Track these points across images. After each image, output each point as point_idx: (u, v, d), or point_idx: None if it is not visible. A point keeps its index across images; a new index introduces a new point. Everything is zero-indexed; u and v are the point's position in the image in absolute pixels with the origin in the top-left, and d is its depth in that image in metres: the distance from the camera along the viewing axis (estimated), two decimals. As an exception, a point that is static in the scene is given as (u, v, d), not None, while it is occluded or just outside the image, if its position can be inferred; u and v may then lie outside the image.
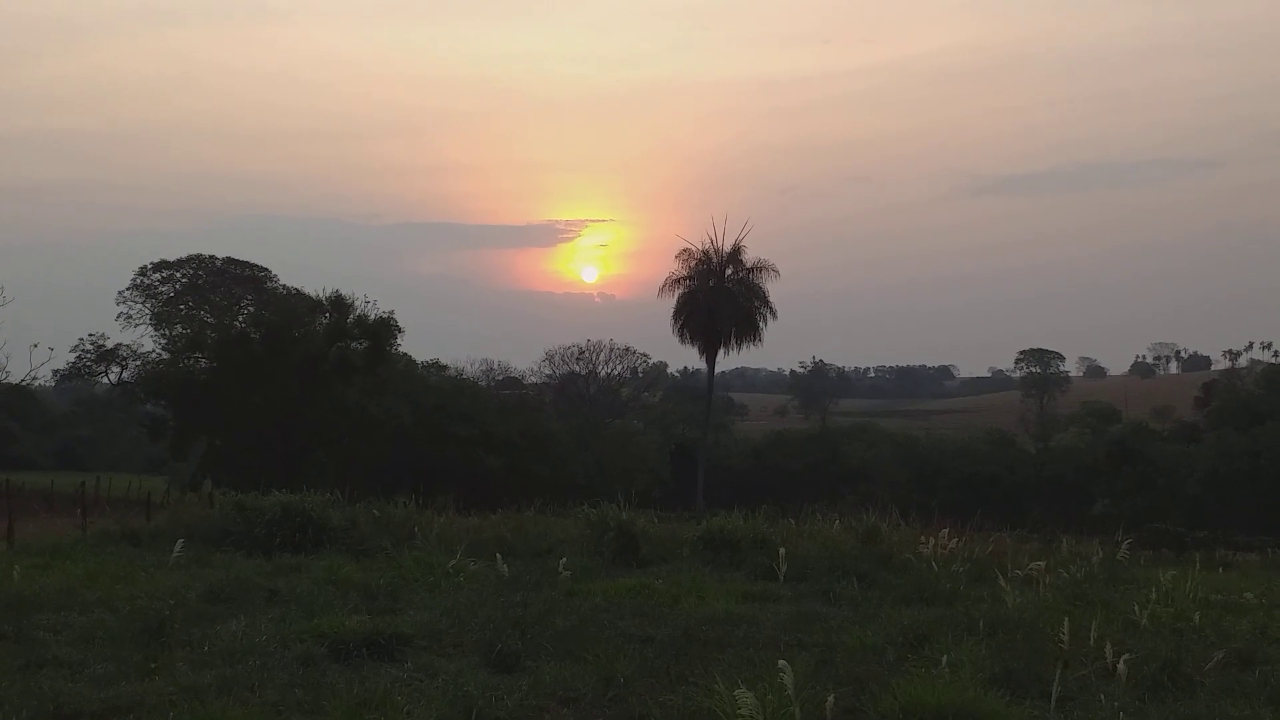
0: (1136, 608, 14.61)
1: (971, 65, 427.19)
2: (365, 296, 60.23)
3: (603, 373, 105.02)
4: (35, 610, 13.38)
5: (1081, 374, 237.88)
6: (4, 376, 61.68)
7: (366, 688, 9.64)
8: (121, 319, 68.34)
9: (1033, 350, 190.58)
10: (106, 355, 65.42)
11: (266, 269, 72.63)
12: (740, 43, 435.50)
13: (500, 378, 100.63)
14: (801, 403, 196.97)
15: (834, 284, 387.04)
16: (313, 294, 61.71)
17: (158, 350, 64.59)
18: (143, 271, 70.05)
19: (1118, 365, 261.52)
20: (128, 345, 66.00)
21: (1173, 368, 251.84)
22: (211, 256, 72.37)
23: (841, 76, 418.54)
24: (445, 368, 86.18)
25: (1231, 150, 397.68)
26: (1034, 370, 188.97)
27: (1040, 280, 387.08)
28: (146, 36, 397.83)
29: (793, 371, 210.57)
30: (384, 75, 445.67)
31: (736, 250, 73.10)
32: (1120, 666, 10.46)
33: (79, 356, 65.77)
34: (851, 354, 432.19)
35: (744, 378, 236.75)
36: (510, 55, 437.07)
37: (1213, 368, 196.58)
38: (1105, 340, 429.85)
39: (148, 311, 68.50)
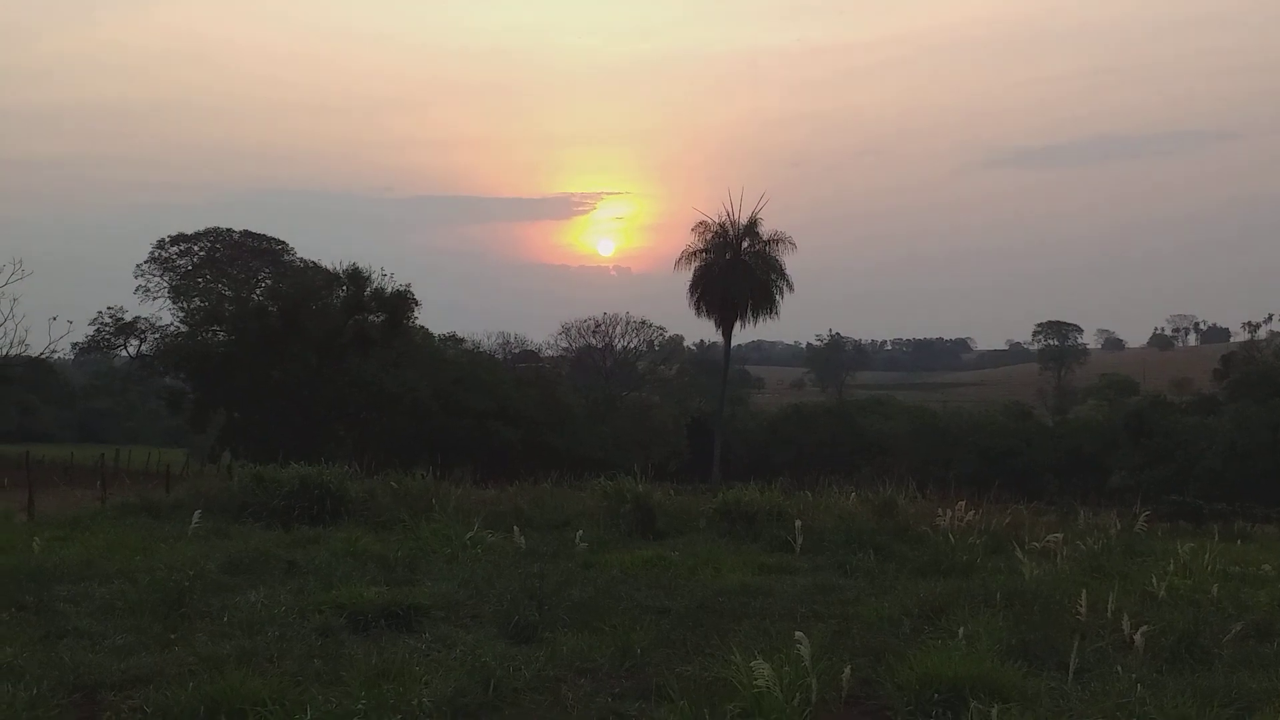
0: (1154, 580, 14.57)
1: (987, 37, 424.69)
2: (382, 269, 60.32)
3: (619, 346, 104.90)
4: (55, 581, 13.46)
5: (1099, 346, 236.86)
6: (23, 350, 61.73)
7: (384, 658, 9.68)
8: (140, 292, 68.74)
9: (1050, 323, 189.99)
10: (125, 328, 65.56)
11: (284, 242, 72.85)
12: (753, 14, 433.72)
13: (517, 351, 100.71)
14: (818, 376, 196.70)
15: (851, 257, 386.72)
16: (330, 267, 61.83)
17: (176, 323, 64.76)
18: (160, 245, 70.34)
19: (1136, 337, 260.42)
20: (146, 318, 66.21)
21: (1191, 340, 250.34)
22: (229, 230, 72.60)
23: (856, 48, 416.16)
24: (462, 341, 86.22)
25: (1250, 122, 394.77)
26: (1052, 343, 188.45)
27: (1058, 253, 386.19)
28: (159, 10, 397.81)
29: (809, 344, 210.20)
30: (397, 48, 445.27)
31: (753, 223, 72.89)
32: (1138, 638, 10.44)
33: (98, 330, 65.95)
34: (868, 327, 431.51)
35: (760, 351, 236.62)
36: (523, 27, 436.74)
37: (1232, 340, 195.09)
38: (1123, 312, 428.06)
39: (166, 284, 68.81)
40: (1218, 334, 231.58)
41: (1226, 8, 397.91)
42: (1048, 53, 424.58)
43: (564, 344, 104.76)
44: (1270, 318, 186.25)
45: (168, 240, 70.76)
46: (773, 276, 72.75)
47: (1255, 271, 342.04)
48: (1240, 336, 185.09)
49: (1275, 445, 66.86)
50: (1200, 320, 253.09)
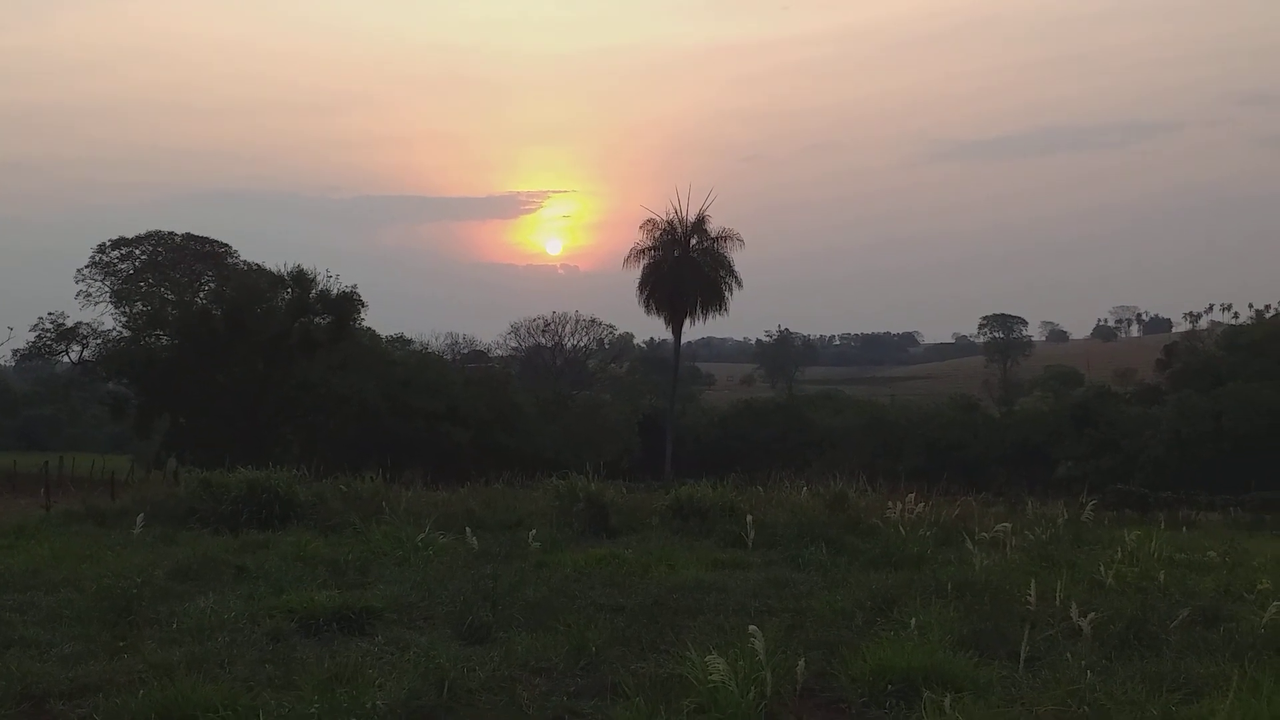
0: (1102, 568, 14.79)
1: (932, 30, 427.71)
2: (328, 271, 60.08)
3: (569, 344, 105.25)
4: (0, 591, 13.26)
5: (1044, 338, 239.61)
6: (-37, 357, 60.98)
7: (337, 662, 9.61)
8: (81, 297, 67.54)
9: (996, 315, 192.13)
10: (67, 334, 64.57)
11: (227, 245, 71.93)
12: (700, 8, 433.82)
13: (466, 351, 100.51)
14: (768, 371, 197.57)
15: (798, 252, 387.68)
16: (274, 269, 61.41)
17: (119, 328, 63.91)
18: (101, 249, 69.22)
19: (1080, 329, 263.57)
20: (88, 324, 65.19)
21: (1134, 330, 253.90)
22: (171, 233, 71.60)
23: (801, 42, 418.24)
24: (410, 342, 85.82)
25: (1190, 112, 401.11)
26: (997, 335, 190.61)
27: (1002, 245, 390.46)
28: (100, 7, 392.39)
29: (759, 340, 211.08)
30: (339, 47, 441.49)
31: (701, 220, 73.18)
32: (1086, 626, 10.58)
33: (39, 335, 64.90)
34: (816, 322, 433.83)
35: (710, 347, 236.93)
36: (469, 23, 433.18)
37: (1174, 330, 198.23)
38: (1067, 304, 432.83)
39: (107, 289, 67.71)
40: (1160, 324, 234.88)
41: None
42: (991, 45, 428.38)
43: (513, 343, 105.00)
44: (1211, 308, 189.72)
45: (108, 244, 69.67)
46: (721, 273, 73.08)
47: (1196, 262, 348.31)
48: (1182, 327, 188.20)
49: (1218, 434, 68.01)
50: (1142, 311, 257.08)
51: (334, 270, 63.23)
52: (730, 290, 73.34)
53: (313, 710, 8.04)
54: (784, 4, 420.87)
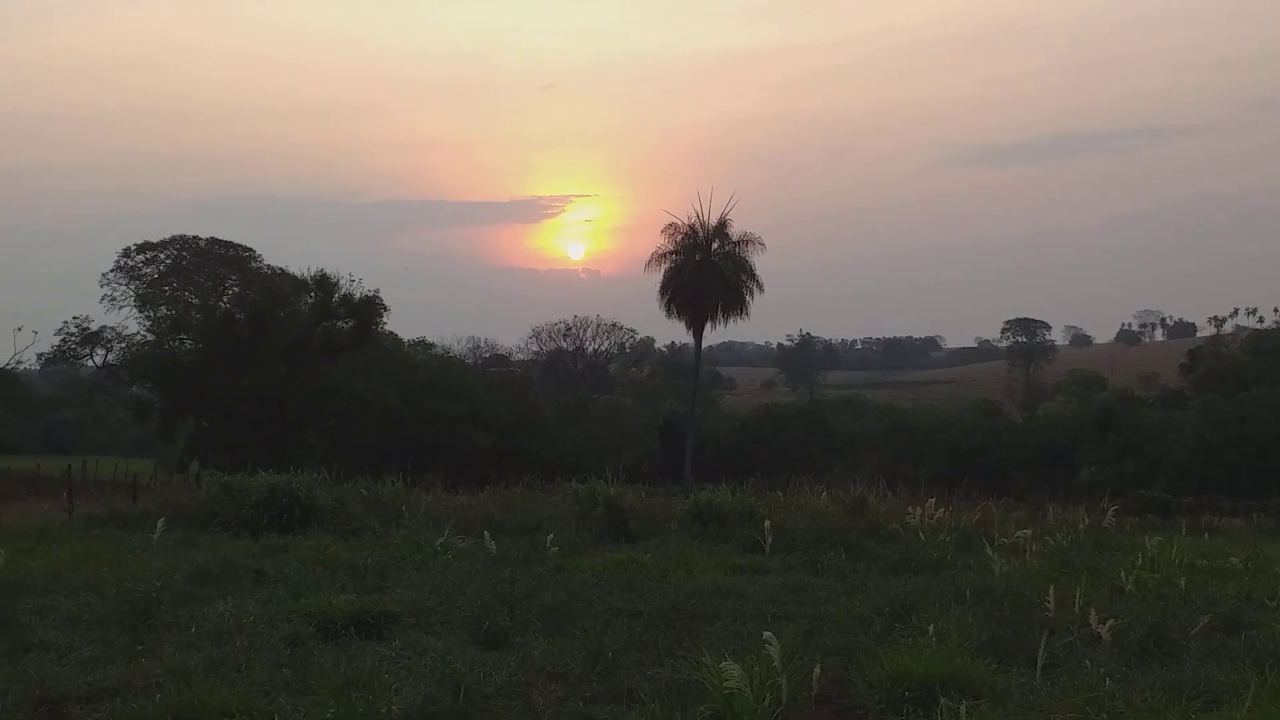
0: (1122, 574, 14.71)
1: (953, 35, 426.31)
2: (350, 275, 60.18)
3: (590, 349, 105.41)
4: (21, 594, 13.30)
5: (1067, 343, 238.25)
6: (-12, 361, 61.21)
7: (354, 666, 9.63)
8: (106, 301, 67.94)
9: (1018, 320, 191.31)
10: (91, 338, 64.87)
11: (251, 249, 72.27)
12: (721, 14, 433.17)
13: (487, 355, 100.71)
14: (789, 376, 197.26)
15: (820, 257, 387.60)
16: (297, 274, 61.62)
17: (143, 332, 64.18)
18: (126, 253, 69.65)
19: (1103, 333, 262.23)
20: (112, 328, 65.43)
21: (1158, 335, 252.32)
22: (195, 237, 71.99)
23: (823, 48, 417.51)
24: (432, 346, 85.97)
25: (1209, 118, 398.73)
26: (1020, 340, 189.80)
27: (1025, 250, 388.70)
28: (115, 16, 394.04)
29: (780, 345, 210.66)
30: (363, 52, 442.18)
31: (722, 224, 73.12)
32: (1106, 633, 10.51)
33: (63, 340, 65.23)
34: (838, 326, 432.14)
35: (731, 351, 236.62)
36: (489, 29, 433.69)
37: (1198, 334, 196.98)
38: (1091, 308, 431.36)
39: (132, 293, 68.08)
40: (1184, 329, 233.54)
41: (1185, 5, 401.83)
42: (1011, 51, 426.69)
43: (535, 348, 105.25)
44: (1236, 312, 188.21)
45: (134, 248, 70.11)
46: (743, 277, 73.01)
47: (1220, 266, 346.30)
48: (1206, 331, 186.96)
49: (1242, 439, 67.49)
50: (1166, 315, 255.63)
51: (356, 274, 63.22)
52: (751, 294, 73.34)
53: (328, 715, 8.05)
54: (806, 9, 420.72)
